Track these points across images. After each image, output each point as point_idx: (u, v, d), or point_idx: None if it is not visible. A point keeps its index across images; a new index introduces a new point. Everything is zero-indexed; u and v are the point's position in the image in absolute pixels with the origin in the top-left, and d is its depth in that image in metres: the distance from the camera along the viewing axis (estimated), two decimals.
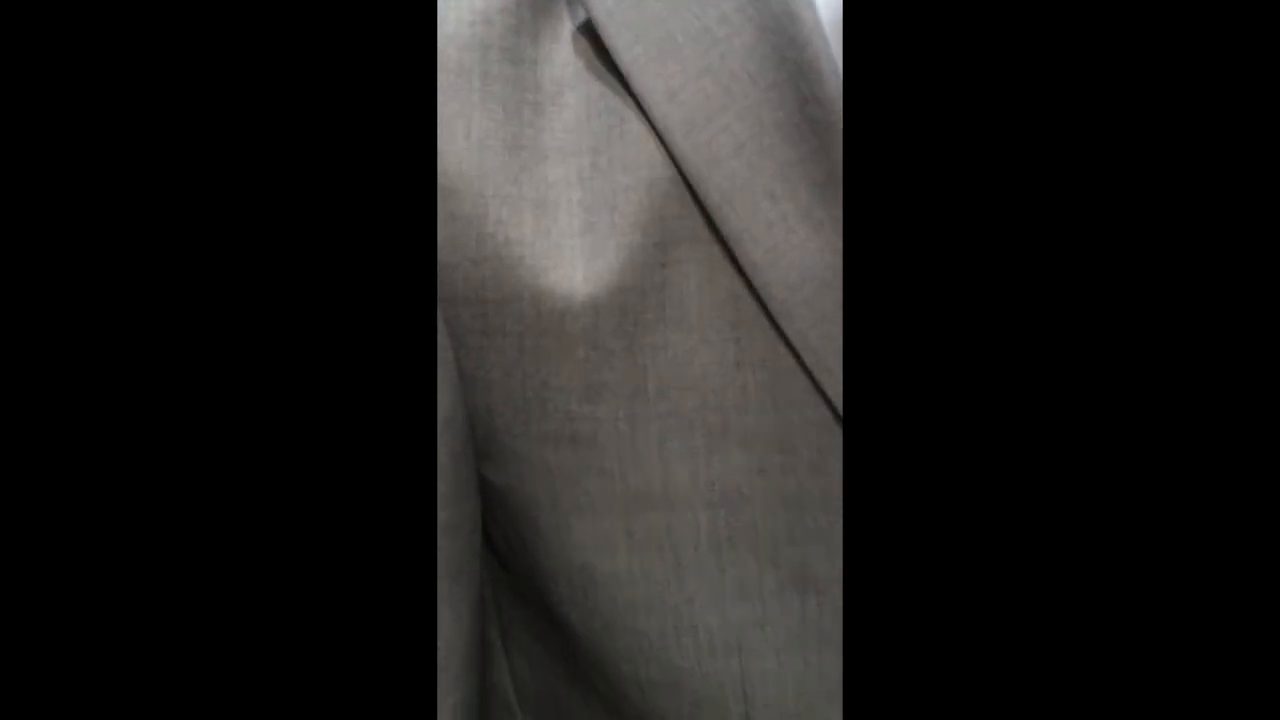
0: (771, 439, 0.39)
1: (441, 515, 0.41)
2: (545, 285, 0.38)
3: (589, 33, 0.41)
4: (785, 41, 0.38)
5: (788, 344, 0.38)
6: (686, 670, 0.41)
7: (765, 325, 0.38)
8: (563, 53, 0.41)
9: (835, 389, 0.38)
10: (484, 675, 0.47)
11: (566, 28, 0.42)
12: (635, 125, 0.40)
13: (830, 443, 0.38)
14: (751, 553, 0.40)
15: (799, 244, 0.37)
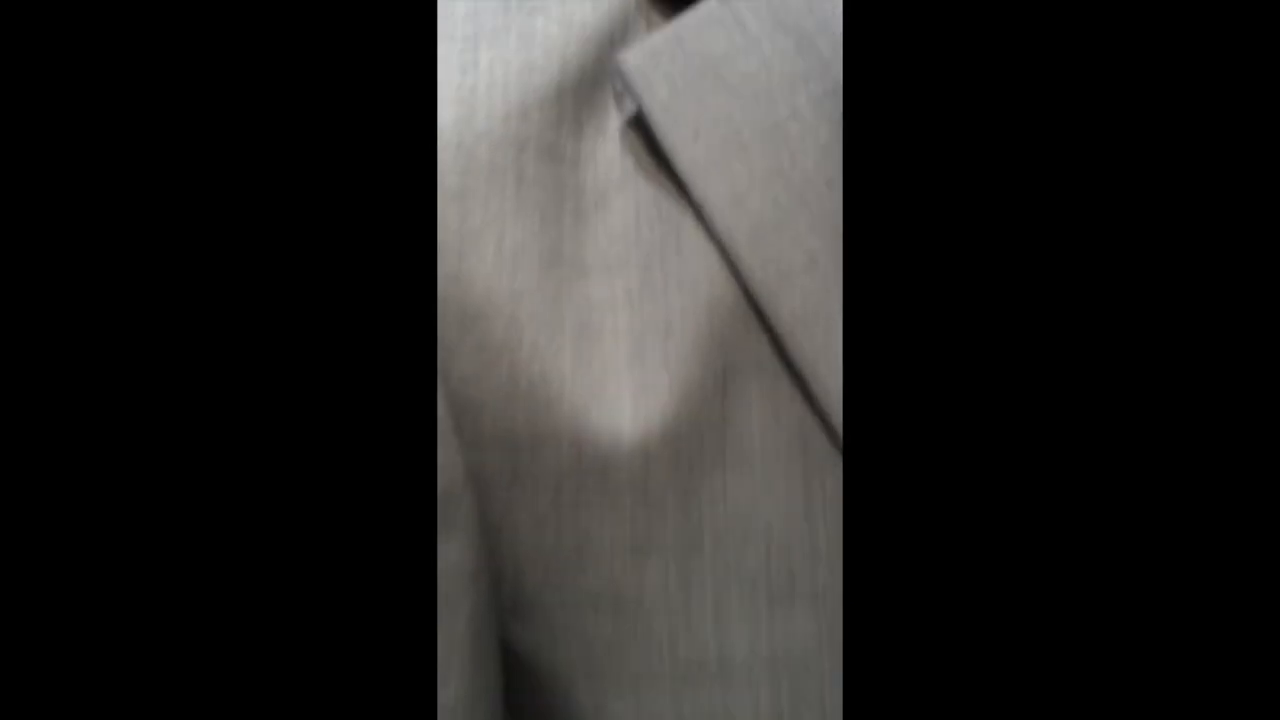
0: (843, 598, 0.36)
1: (456, 687, 0.37)
2: (587, 426, 0.36)
3: (640, 128, 0.38)
4: None
5: None
6: None
7: (840, 468, 0.36)
8: (609, 150, 0.38)
9: None
10: None
11: (613, 122, 0.38)
12: (693, 236, 0.37)
13: None
14: None
15: None
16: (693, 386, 0.36)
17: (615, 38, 0.39)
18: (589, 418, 0.36)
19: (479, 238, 0.37)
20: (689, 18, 0.38)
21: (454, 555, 0.36)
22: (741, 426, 0.36)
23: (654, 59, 0.37)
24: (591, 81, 0.38)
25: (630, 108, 0.38)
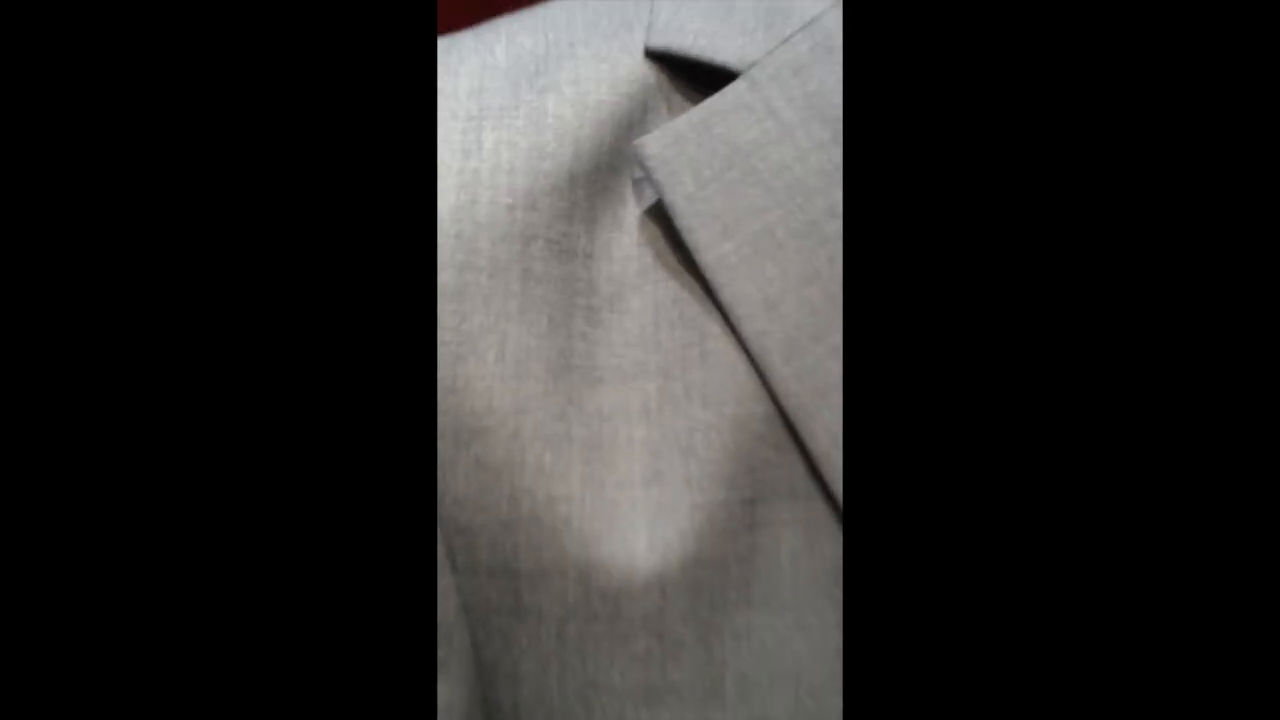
0: None
1: None
2: (597, 557, 0.33)
3: (660, 219, 0.36)
4: None
5: None
6: None
7: None
8: (626, 244, 0.36)
9: None
10: None
11: (631, 213, 0.36)
12: (719, 343, 0.34)
13: None
14: None
15: None
16: (716, 512, 0.33)
17: (634, 121, 0.36)
18: (599, 547, 0.33)
19: (479, 342, 0.34)
20: (716, 102, 0.35)
21: (445, 697, 0.33)
22: (770, 558, 0.33)
23: (678, 146, 0.35)
24: (607, 168, 0.36)
25: (649, 197, 0.36)
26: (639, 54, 0.37)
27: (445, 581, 0.33)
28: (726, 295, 0.34)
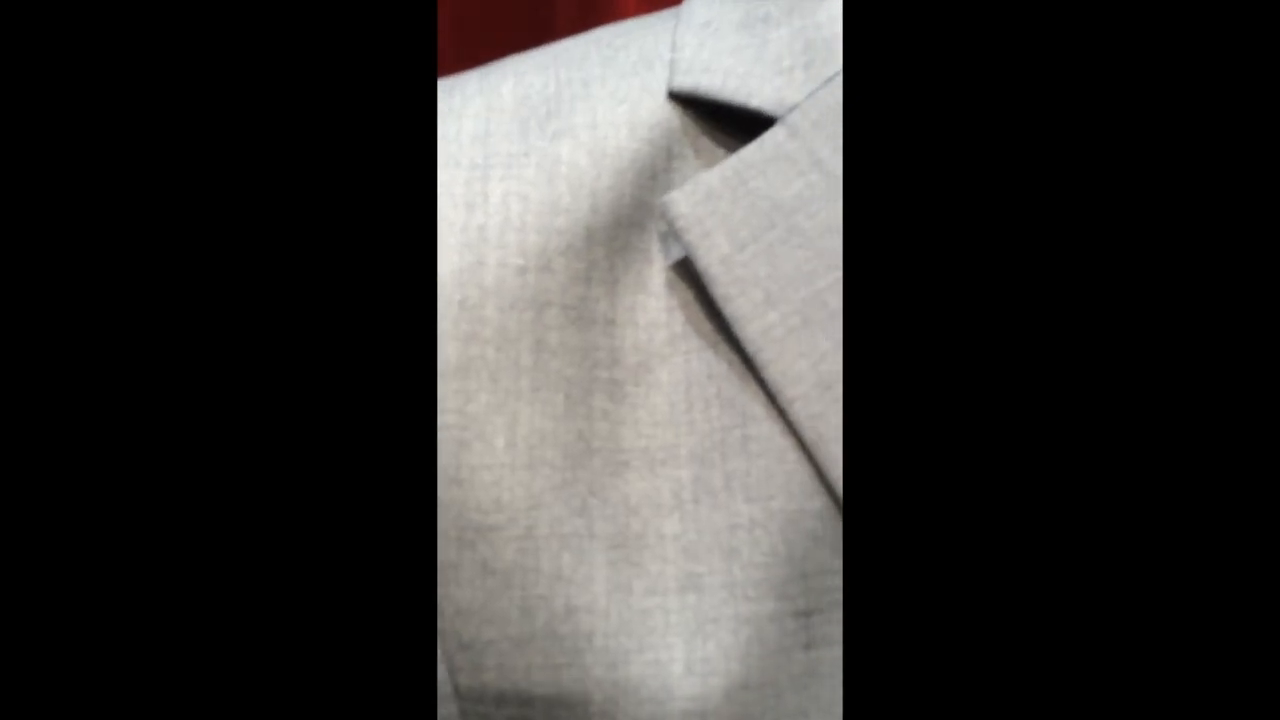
0: None
1: None
2: (625, 679, 0.31)
3: (691, 278, 0.33)
4: None
5: None
6: None
7: None
8: (652, 307, 0.34)
9: None
10: None
11: (657, 271, 0.34)
12: (764, 427, 0.32)
13: None
14: None
15: None
16: (765, 627, 0.31)
17: (657, 169, 0.34)
18: (628, 667, 0.31)
19: (486, 425, 0.32)
20: (752, 153, 0.33)
21: None
22: (832, 685, 0.31)
23: (710, 204, 0.33)
24: (629, 223, 0.34)
25: (677, 252, 0.34)
26: (661, 94, 0.34)
27: (446, 710, 0.32)
28: (773, 373, 0.32)
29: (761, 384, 0.32)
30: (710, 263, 0.32)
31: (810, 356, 0.32)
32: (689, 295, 0.33)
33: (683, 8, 0.37)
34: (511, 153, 0.34)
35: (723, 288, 0.32)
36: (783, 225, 0.32)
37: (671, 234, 0.33)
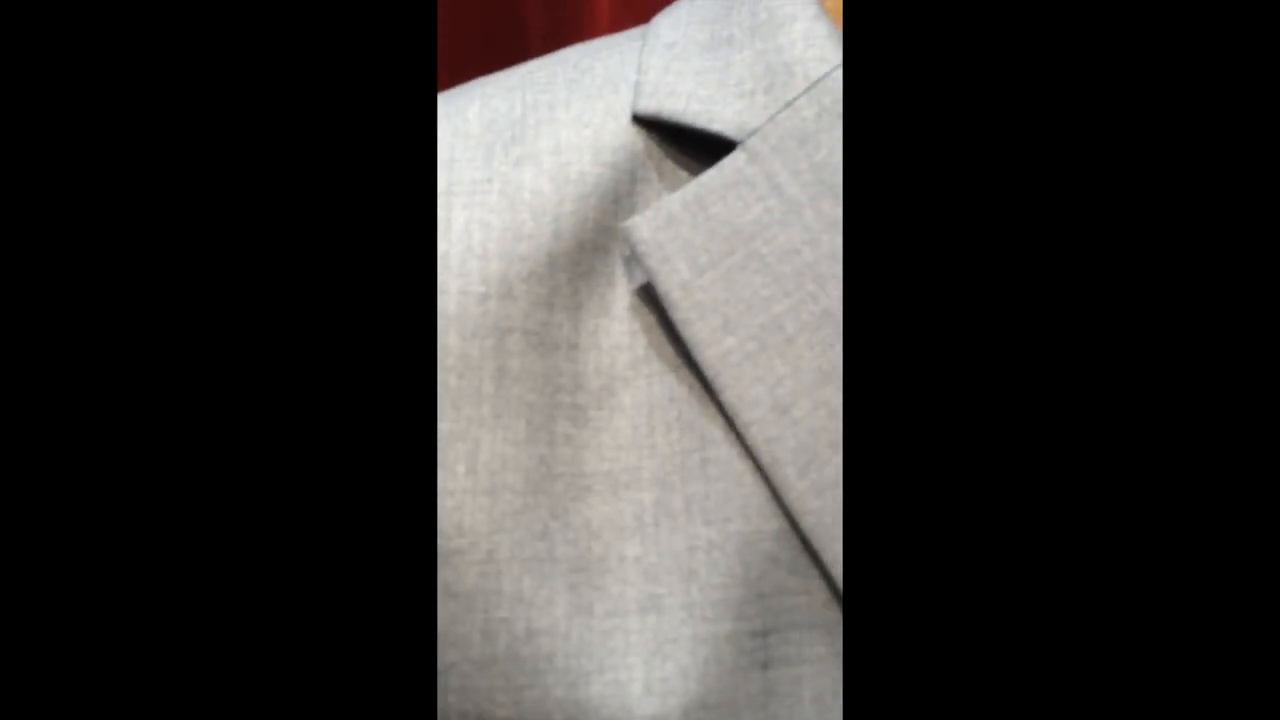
0: None
1: None
2: (586, 699, 0.31)
3: (654, 302, 0.33)
4: None
5: None
6: None
7: None
8: (615, 331, 0.33)
9: None
10: None
11: (621, 295, 0.33)
12: (722, 450, 0.32)
13: None
14: None
15: None
16: (722, 647, 0.31)
17: (620, 194, 0.34)
18: (588, 687, 0.31)
19: (448, 452, 0.32)
20: (712, 177, 0.33)
21: None
22: (789, 704, 0.31)
23: (671, 229, 0.32)
24: (592, 247, 0.33)
25: (641, 276, 0.34)
26: (626, 117, 0.34)
27: None
28: (730, 397, 0.31)
29: (720, 408, 0.32)
30: (670, 288, 0.32)
31: (766, 381, 0.31)
32: (651, 319, 0.33)
33: (650, 27, 0.36)
34: (475, 179, 0.33)
35: (682, 312, 0.32)
36: (741, 250, 0.32)
37: (634, 258, 0.33)
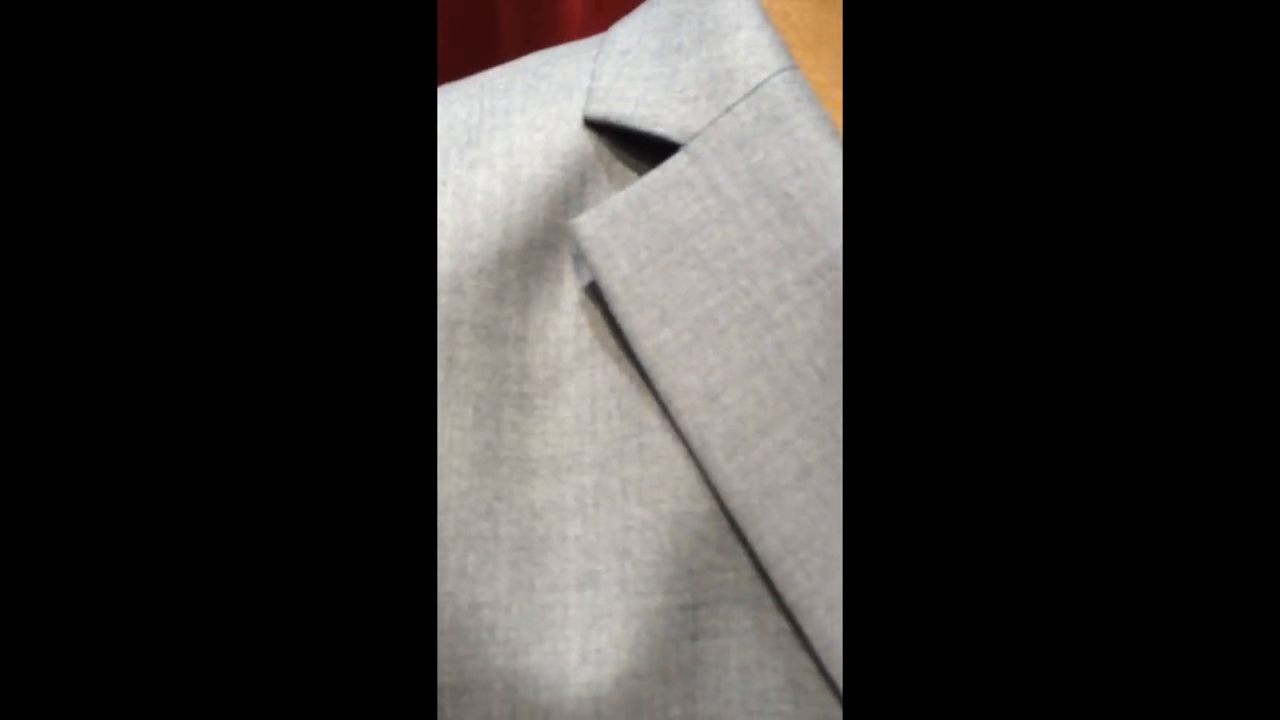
0: None
1: None
2: (525, 668, 0.32)
3: (599, 297, 0.34)
4: None
5: None
6: None
7: None
8: (563, 325, 0.34)
9: None
10: None
11: (569, 291, 0.34)
12: (657, 436, 0.33)
13: None
14: None
15: None
16: (654, 619, 0.32)
17: (570, 194, 0.35)
18: (528, 657, 0.32)
19: None
20: (655, 178, 0.34)
21: None
22: (716, 673, 0.32)
23: (614, 227, 0.33)
24: (542, 245, 0.34)
25: (588, 274, 0.34)
26: (577, 122, 0.35)
27: None
28: (664, 385, 0.32)
29: (655, 396, 0.33)
30: (612, 282, 0.33)
31: (699, 370, 0.32)
32: (597, 313, 0.34)
33: (607, 35, 0.37)
34: None
35: (622, 305, 0.33)
36: (680, 247, 0.33)
37: (579, 255, 0.34)
